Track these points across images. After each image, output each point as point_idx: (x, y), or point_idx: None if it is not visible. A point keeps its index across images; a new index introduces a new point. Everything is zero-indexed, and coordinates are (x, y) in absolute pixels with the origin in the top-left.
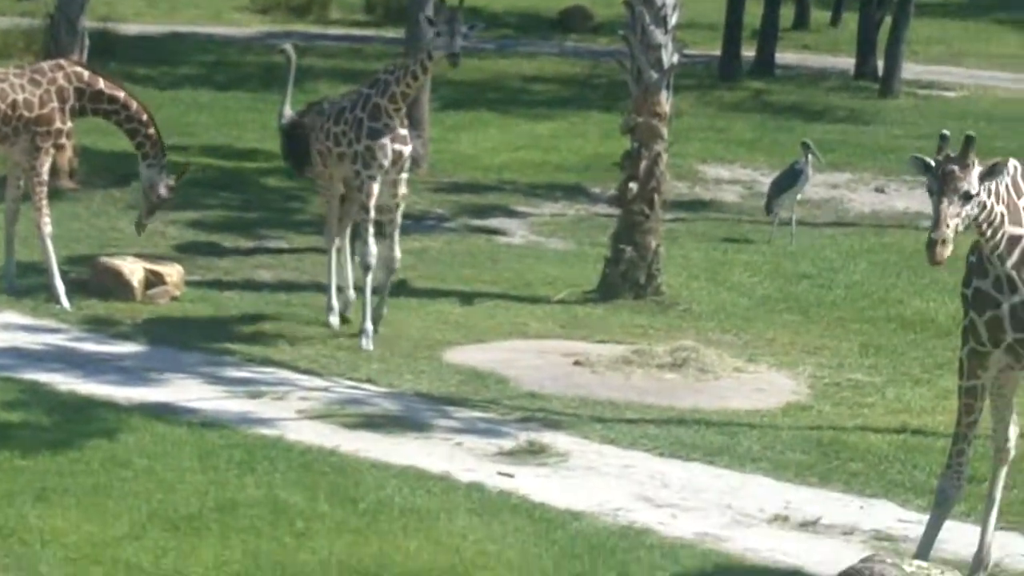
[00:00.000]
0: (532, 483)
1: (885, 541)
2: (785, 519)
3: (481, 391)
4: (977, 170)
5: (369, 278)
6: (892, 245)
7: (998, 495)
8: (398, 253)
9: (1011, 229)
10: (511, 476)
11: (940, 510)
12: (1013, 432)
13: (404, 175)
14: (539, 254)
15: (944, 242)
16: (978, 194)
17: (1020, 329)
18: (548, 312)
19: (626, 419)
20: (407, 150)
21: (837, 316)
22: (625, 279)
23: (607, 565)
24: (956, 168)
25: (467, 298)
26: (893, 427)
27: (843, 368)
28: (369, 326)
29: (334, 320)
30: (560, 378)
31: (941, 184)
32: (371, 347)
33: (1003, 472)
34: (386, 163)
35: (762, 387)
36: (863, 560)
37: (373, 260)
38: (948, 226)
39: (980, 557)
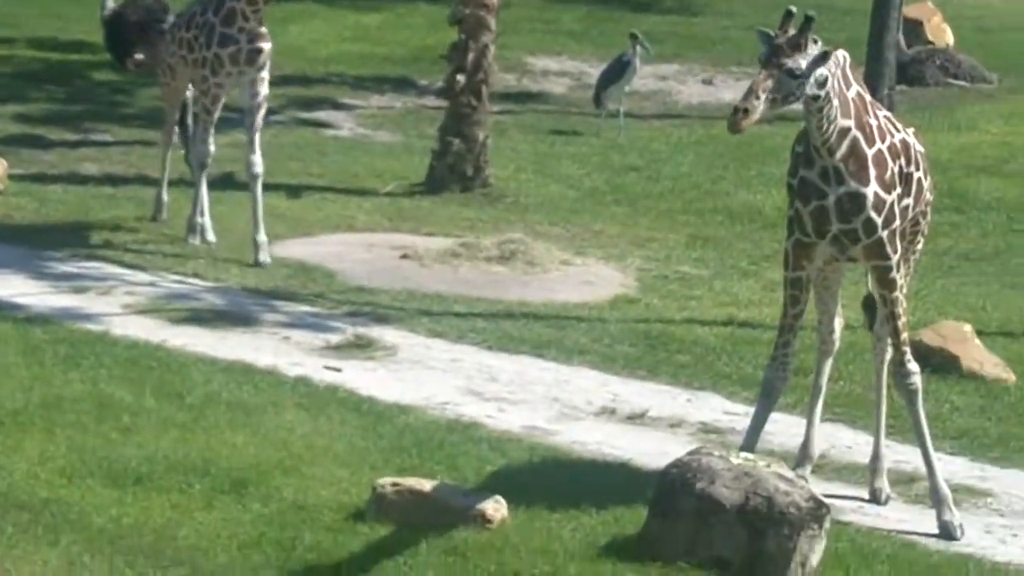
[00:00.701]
0: (360, 377)
1: (712, 433)
2: (613, 412)
3: (308, 285)
4: (812, 52)
5: (204, 176)
6: (719, 137)
7: (823, 387)
8: (259, 157)
9: (841, 121)
10: (338, 370)
11: (766, 402)
12: (838, 324)
13: (264, 74)
14: (367, 147)
15: (747, 112)
16: (803, 75)
17: (845, 220)
18: (376, 205)
19: (454, 313)
20: (267, 48)
21: (665, 208)
22: (453, 172)
23: (435, 459)
24: (786, 43)
25: (294, 191)
26: (720, 319)
27: (671, 260)
28: (198, 220)
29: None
30: (388, 272)
31: (767, 56)
32: (198, 241)
33: (828, 364)
34: (234, 71)
35: (590, 280)
36: (690, 452)
37: (209, 159)
38: (758, 98)
39: (806, 449)
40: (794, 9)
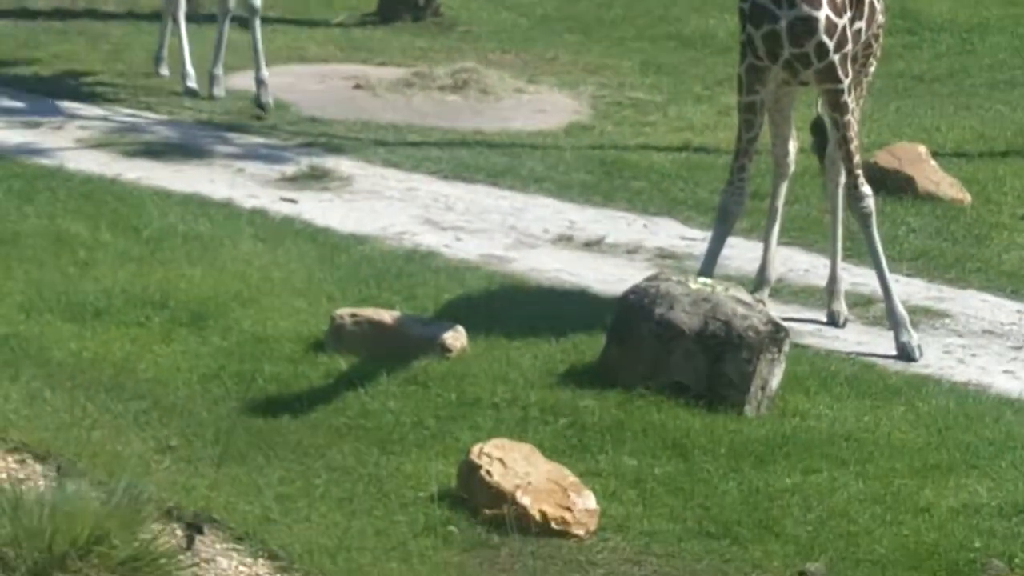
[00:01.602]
0: (315, 208)
1: (669, 259)
2: (569, 239)
3: (262, 116)
4: None
5: (258, 23)
6: None
7: (780, 210)
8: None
9: None
10: (294, 201)
11: (723, 226)
12: (793, 147)
13: None
14: None
15: None
16: None
17: (797, 44)
18: (327, 36)
19: (408, 142)
20: None
21: (617, 35)
22: (404, 1)
23: (393, 288)
24: None
25: (245, 23)
26: (675, 145)
27: (624, 87)
28: (217, 72)
29: (192, 84)
30: (341, 102)
31: None
32: (222, 93)
33: (784, 187)
34: None
35: (544, 108)
36: (647, 278)
37: (232, 5)
38: None
39: (764, 272)
40: None
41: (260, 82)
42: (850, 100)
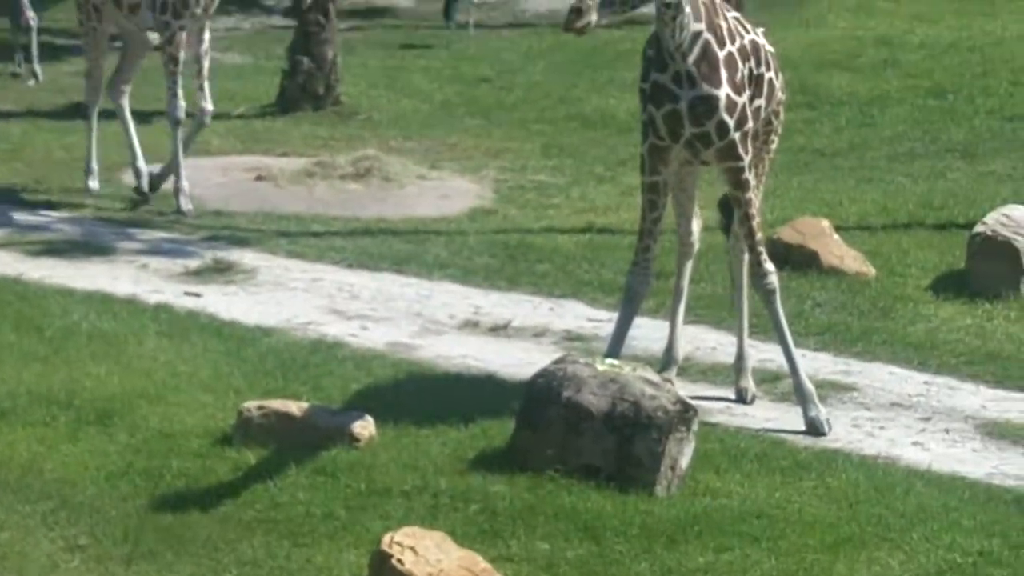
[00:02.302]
0: (220, 301)
1: (576, 341)
2: (476, 324)
3: (165, 211)
4: None
5: (180, 133)
6: (569, 44)
7: (685, 289)
8: (211, 105)
9: (694, 25)
10: (199, 295)
11: (629, 307)
12: (696, 226)
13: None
14: (216, 69)
15: (580, 12)
16: None
17: (698, 124)
18: (229, 128)
19: (312, 232)
20: None
21: (518, 118)
22: (304, 91)
23: (300, 379)
24: None
25: (145, 118)
26: (579, 227)
27: (527, 170)
28: (183, 185)
29: (94, 184)
30: (243, 194)
31: None
32: (189, 206)
33: (689, 266)
34: (198, 11)
35: (447, 193)
36: (555, 361)
37: (183, 113)
38: (591, 7)
39: (671, 352)
40: None
41: (179, 190)
42: (751, 177)
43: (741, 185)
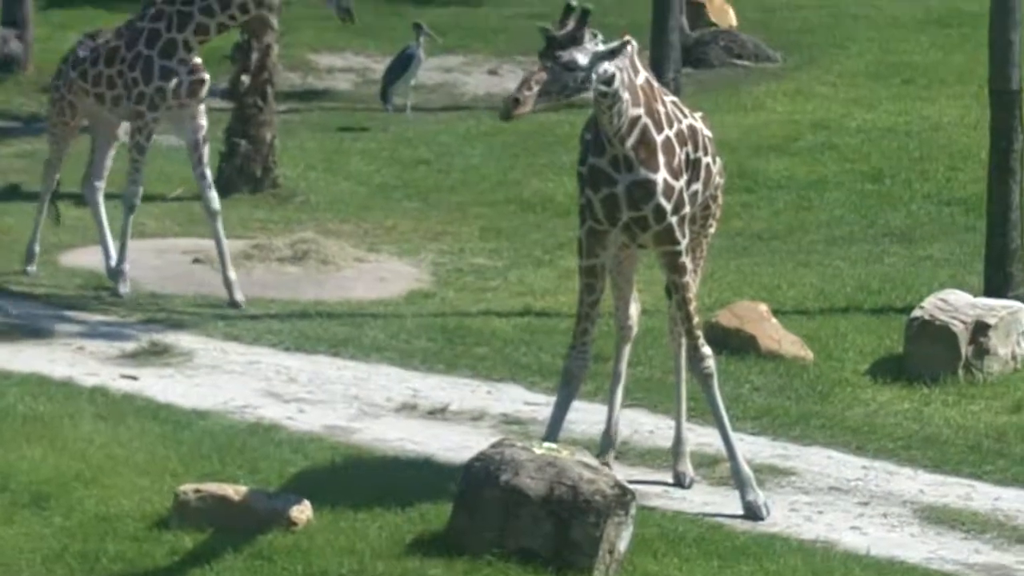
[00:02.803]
0: (156, 384)
1: (514, 424)
2: (413, 407)
3: (101, 294)
4: (591, 46)
5: (130, 219)
6: (508, 128)
7: (623, 373)
8: (215, 193)
9: (632, 111)
10: (135, 378)
11: (567, 390)
12: (635, 309)
13: (203, 106)
14: (153, 152)
15: (518, 102)
16: (578, 68)
17: (635, 208)
18: (165, 210)
19: (249, 315)
20: (208, 78)
21: (457, 201)
22: (241, 173)
23: (236, 463)
24: (562, 37)
25: (81, 200)
26: (517, 310)
27: (465, 253)
28: (124, 267)
29: (32, 268)
30: (180, 277)
31: (544, 49)
32: (127, 289)
33: (627, 350)
34: (175, 102)
35: (384, 276)
36: (493, 445)
37: (139, 200)
38: (530, 89)
39: (608, 435)
40: (574, 2)
41: (228, 281)
42: (688, 262)
43: (678, 269)
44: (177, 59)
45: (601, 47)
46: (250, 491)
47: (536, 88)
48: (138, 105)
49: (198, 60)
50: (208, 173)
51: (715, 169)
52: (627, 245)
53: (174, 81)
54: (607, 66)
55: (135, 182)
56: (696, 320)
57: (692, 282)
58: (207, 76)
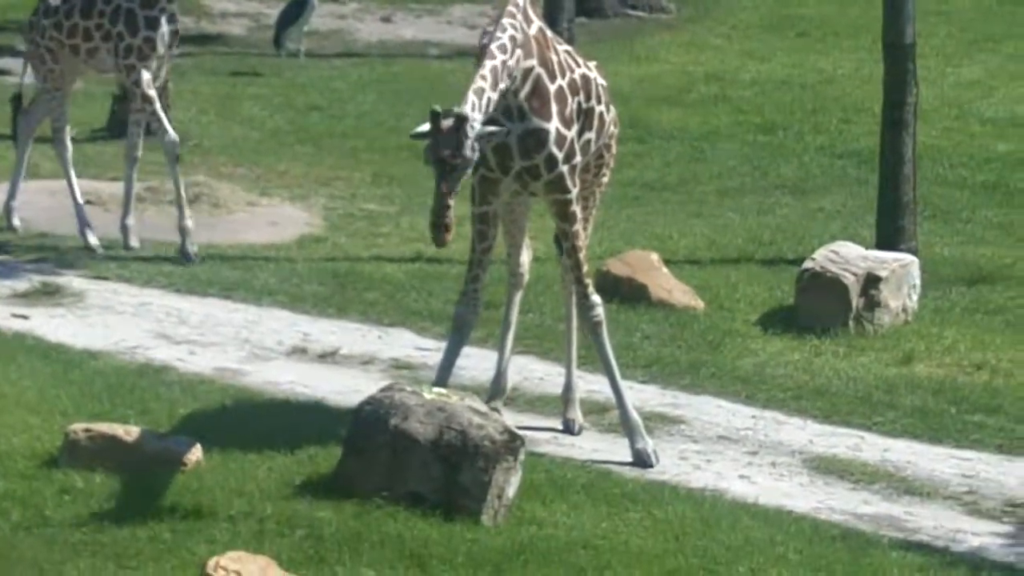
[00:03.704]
0: (48, 324)
1: (404, 369)
2: (304, 351)
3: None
4: (470, 129)
5: (178, 168)
6: (401, 74)
7: (514, 319)
8: (175, 135)
9: (525, 62)
10: (26, 318)
11: (457, 336)
12: (526, 257)
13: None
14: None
15: (447, 227)
16: (471, 155)
17: (527, 157)
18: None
19: (141, 257)
20: (178, 25)
21: (349, 147)
22: None
23: (126, 403)
24: (447, 150)
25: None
26: (408, 256)
27: (356, 198)
28: (128, 223)
29: (94, 241)
30: (73, 218)
31: (436, 163)
32: (137, 244)
33: (518, 296)
34: (163, 50)
35: (276, 220)
36: (383, 389)
37: (176, 141)
38: (448, 206)
39: (498, 382)
40: (439, 109)
41: (183, 230)
42: (578, 210)
43: (568, 218)
44: (159, 8)
45: (477, 125)
46: (140, 432)
47: (452, 201)
48: (126, 59)
49: (176, 9)
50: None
51: (608, 119)
52: (519, 192)
53: (160, 30)
54: (472, 132)
55: (165, 130)
56: (585, 268)
57: (582, 231)
58: (178, 23)
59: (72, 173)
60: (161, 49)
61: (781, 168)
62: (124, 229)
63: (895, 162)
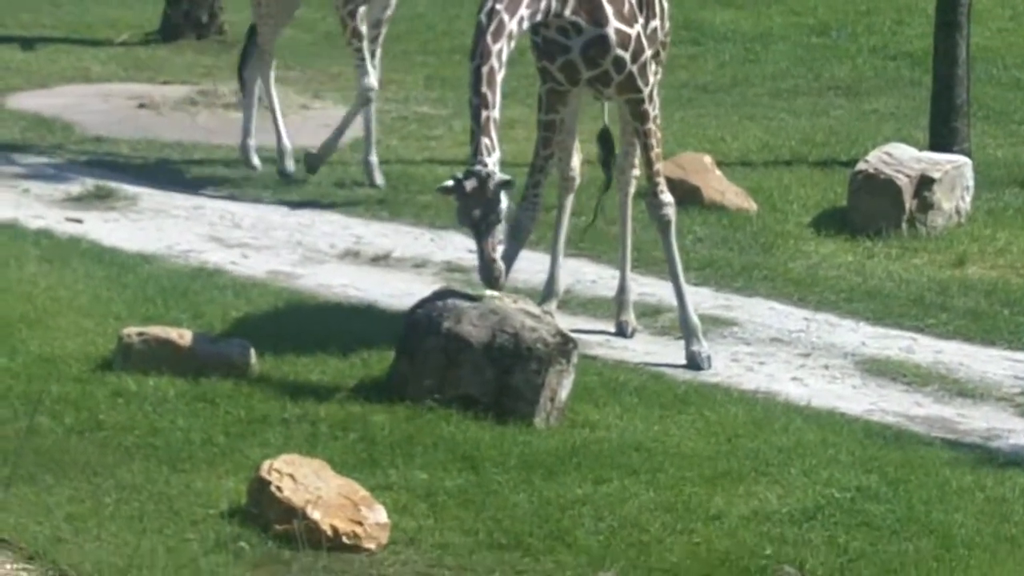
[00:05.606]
0: (101, 228)
1: (457, 272)
2: (356, 254)
3: (47, 137)
4: (493, 184)
5: (370, 109)
6: None
7: (566, 222)
8: (375, 80)
9: None
10: (80, 221)
11: (515, 241)
12: (576, 160)
13: None
14: None
15: (499, 274)
16: (501, 202)
17: (594, 66)
18: (111, 55)
19: (194, 160)
20: None
21: (401, 50)
22: (187, 19)
23: (180, 306)
24: (480, 212)
25: (28, 43)
26: (461, 159)
27: (409, 101)
28: (374, 158)
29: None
30: (126, 121)
31: (475, 227)
32: (380, 181)
33: (570, 200)
34: None
35: (329, 123)
36: (435, 292)
37: (374, 86)
38: (495, 260)
39: (551, 284)
40: (460, 175)
41: (368, 164)
42: (651, 108)
43: (642, 116)
44: None
45: (496, 174)
46: (193, 335)
47: (498, 251)
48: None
49: None
50: (379, 53)
51: (666, 8)
52: (595, 99)
53: None
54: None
55: (365, 72)
56: (658, 166)
57: (656, 128)
58: None
59: (274, 93)
60: None
61: (834, 69)
62: (367, 165)
63: (948, 64)
